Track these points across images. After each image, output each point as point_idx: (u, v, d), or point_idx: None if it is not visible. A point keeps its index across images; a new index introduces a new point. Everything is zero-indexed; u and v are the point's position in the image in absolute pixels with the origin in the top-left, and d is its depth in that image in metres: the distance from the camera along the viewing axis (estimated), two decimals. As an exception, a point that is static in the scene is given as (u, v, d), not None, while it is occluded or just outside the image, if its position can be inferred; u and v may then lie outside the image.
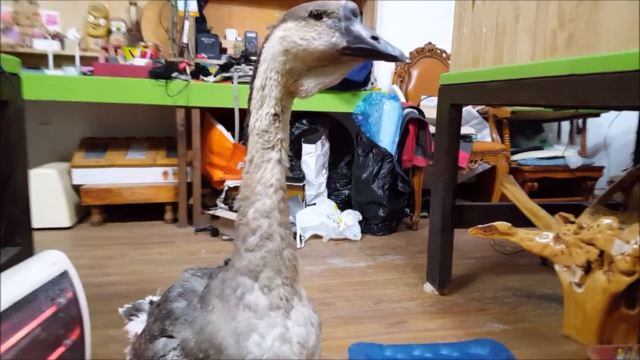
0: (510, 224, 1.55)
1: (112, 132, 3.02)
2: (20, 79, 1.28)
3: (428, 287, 1.82)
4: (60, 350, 1.04)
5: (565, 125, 3.52)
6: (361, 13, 3.42)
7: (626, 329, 1.36)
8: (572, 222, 1.42)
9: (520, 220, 1.75)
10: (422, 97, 3.04)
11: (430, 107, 2.91)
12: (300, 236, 2.38)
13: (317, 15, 0.60)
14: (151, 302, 1.00)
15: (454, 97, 1.63)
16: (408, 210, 2.85)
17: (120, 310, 1.03)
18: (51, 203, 2.57)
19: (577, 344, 1.42)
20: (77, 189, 2.70)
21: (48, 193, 2.56)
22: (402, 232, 2.72)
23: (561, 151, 3.02)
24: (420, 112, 2.69)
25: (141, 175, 2.76)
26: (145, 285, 1.82)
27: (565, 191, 3.11)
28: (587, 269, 1.35)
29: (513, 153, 2.98)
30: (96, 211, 2.71)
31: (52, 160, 2.87)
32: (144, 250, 2.29)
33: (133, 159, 2.77)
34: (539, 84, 1.11)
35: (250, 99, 0.66)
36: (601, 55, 0.91)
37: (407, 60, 0.73)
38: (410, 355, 1.30)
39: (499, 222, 1.55)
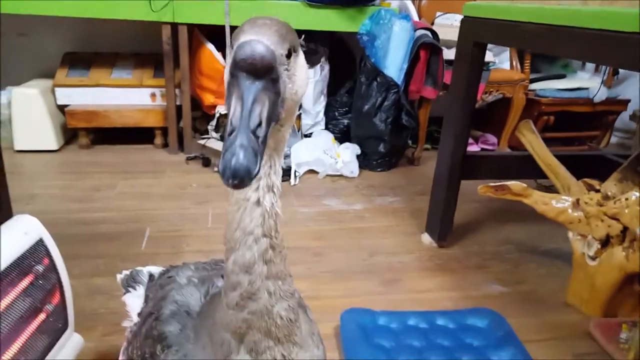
0: (525, 185, 1.40)
1: (95, 46, 2.75)
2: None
3: (426, 238, 1.73)
4: (42, 316, 1.00)
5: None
6: None
7: (633, 304, 1.29)
8: (597, 191, 1.27)
9: (535, 173, 1.62)
10: (438, 13, 2.72)
11: (445, 25, 2.61)
12: (295, 172, 2.25)
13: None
14: (150, 276, 0.95)
15: (479, 34, 1.39)
16: (410, 142, 2.67)
17: (118, 277, 1.00)
18: (36, 125, 2.43)
19: (580, 315, 1.36)
20: (62, 108, 2.53)
21: (32, 114, 2.41)
22: (402, 167, 2.58)
23: (585, 81, 2.77)
24: (435, 34, 2.41)
25: (128, 97, 2.57)
26: (133, 225, 1.74)
27: (582, 125, 2.91)
28: (605, 242, 1.24)
29: (532, 81, 2.73)
30: (83, 133, 2.57)
31: (33, 75, 2.66)
32: (133, 181, 2.18)
33: (119, 79, 2.57)
34: (593, 37, 0.90)
35: None
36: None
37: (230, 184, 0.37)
38: (404, 324, 1.23)
39: (512, 182, 1.41)
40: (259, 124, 0.39)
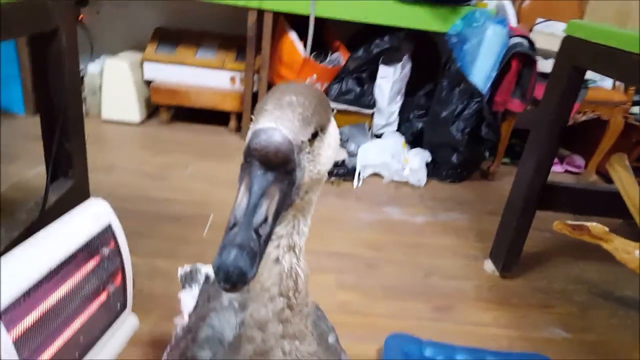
0: (606, 229, 1.28)
1: (184, 22, 2.85)
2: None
3: (489, 266, 1.64)
4: (103, 297, 1.07)
5: None
6: None
7: None
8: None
9: (622, 212, 1.46)
10: (538, 20, 2.52)
11: (544, 34, 2.42)
12: (359, 173, 2.21)
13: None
14: (206, 277, 0.97)
15: (580, 59, 1.26)
16: (487, 154, 2.52)
17: (179, 271, 1.03)
18: (123, 96, 2.58)
19: (652, 379, 1.23)
20: (147, 83, 2.66)
21: (120, 86, 2.55)
22: (474, 180, 2.45)
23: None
24: (531, 44, 2.23)
25: (209, 78, 2.64)
26: (199, 209, 1.79)
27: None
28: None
29: (634, 104, 2.47)
30: (164, 109, 2.69)
31: (126, 46, 2.80)
32: (204, 163, 2.26)
33: (202, 59, 2.64)
34: None
35: None
36: None
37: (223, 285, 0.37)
38: (451, 359, 1.18)
39: (592, 224, 1.29)
40: (264, 220, 0.36)
